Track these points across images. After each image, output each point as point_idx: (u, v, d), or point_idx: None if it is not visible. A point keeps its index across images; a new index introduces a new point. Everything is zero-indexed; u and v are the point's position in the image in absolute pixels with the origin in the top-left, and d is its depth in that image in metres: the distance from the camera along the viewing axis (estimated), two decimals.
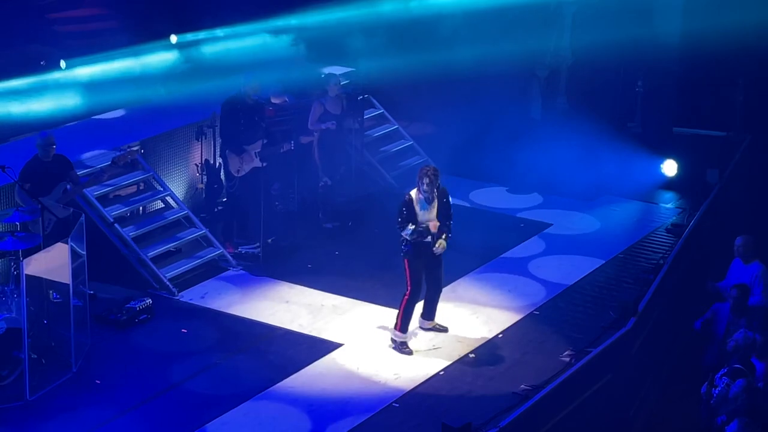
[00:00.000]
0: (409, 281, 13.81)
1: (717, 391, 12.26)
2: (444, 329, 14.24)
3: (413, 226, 13.53)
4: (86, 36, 19.42)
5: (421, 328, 14.24)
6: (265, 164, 16.02)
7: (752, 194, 18.19)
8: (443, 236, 13.67)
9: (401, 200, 13.73)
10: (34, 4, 19.38)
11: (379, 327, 14.29)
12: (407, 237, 13.58)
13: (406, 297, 13.81)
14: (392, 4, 19.75)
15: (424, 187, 13.51)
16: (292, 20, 19.67)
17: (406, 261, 13.76)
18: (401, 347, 13.85)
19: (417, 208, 13.59)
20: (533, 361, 13.66)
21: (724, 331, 13.72)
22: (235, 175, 16.04)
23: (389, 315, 14.43)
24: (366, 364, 13.58)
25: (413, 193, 13.66)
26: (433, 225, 13.60)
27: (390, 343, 13.93)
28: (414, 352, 13.81)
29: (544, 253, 16.52)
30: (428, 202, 13.59)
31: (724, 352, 13.12)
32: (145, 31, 18.79)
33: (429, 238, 13.66)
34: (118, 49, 18.23)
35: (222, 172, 16.61)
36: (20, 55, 18.33)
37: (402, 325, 13.86)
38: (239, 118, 16.00)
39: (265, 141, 16.09)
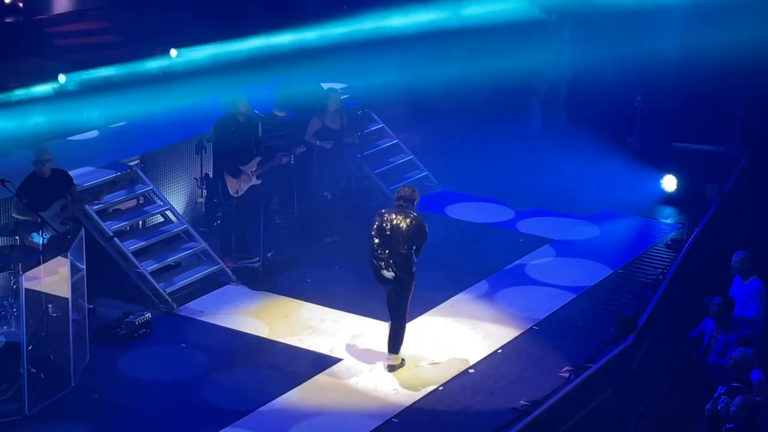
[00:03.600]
0: (408, 304, 13.84)
1: (710, 405, 12.29)
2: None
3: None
4: (86, 50, 19.46)
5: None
6: (260, 182, 16.04)
7: (752, 209, 18.19)
8: None
9: (422, 224, 13.63)
10: (34, 18, 19.43)
11: (379, 342, 14.27)
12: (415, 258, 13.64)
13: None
14: (394, 20, 19.79)
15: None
16: (287, 36, 19.73)
17: (413, 285, 13.78)
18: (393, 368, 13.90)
19: None
20: (532, 376, 13.65)
21: (706, 344, 13.81)
22: (234, 195, 16.03)
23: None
24: (365, 378, 13.57)
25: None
26: None
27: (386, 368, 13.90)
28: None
29: (543, 268, 16.50)
30: None
31: (706, 365, 13.31)
32: (145, 45, 18.82)
33: None
34: (117, 64, 18.25)
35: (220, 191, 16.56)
36: (20, 68, 18.35)
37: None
38: (234, 140, 15.99)
39: (260, 158, 16.09)
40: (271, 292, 15.60)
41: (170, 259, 15.76)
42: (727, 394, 12.19)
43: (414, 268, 13.63)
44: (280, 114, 17.65)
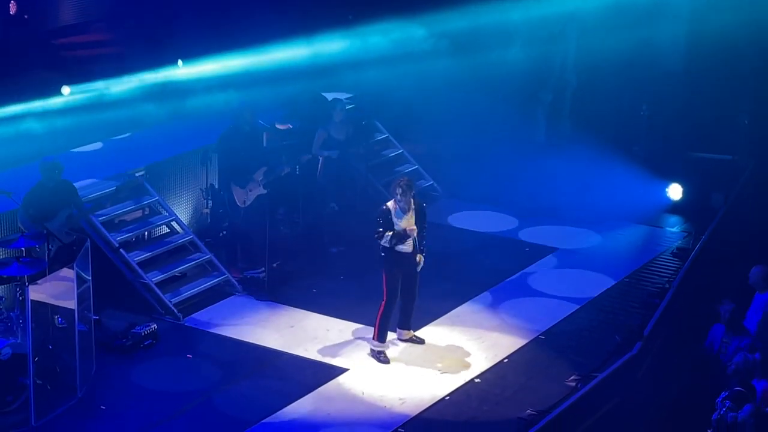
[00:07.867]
0: (386, 291, 14.04)
1: (716, 415, 12.23)
2: (420, 341, 14.42)
3: (390, 233, 13.83)
4: (92, 61, 19.44)
5: (399, 339, 14.48)
6: (266, 191, 16.05)
7: (758, 218, 18.16)
8: (420, 251, 14.01)
9: (378, 211, 14.00)
10: (41, 30, 19.41)
11: (387, 352, 14.27)
12: (386, 244, 13.87)
13: (383, 307, 14.09)
14: (397, 31, 19.80)
15: (398, 197, 13.92)
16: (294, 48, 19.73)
17: (383, 271, 13.96)
18: (378, 356, 14.12)
19: (394, 217, 13.89)
20: (539, 386, 13.64)
21: (717, 348, 13.76)
22: (241, 206, 16.04)
23: (394, 340, 14.43)
24: (371, 388, 13.57)
25: (390, 204, 13.96)
26: (410, 228, 13.89)
27: (368, 352, 14.17)
28: (392, 361, 14.03)
29: (549, 278, 16.49)
30: (404, 211, 13.94)
31: (722, 372, 13.17)
32: (151, 56, 18.81)
33: (409, 248, 13.94)
34: (123, 75, 18.25)
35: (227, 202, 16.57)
36: (25, 80, 18.34)
37: (379, 335, 14.14)
38: (240, 150, 16.02)
39: (265, 168, 16.10)
40: (277, 302, 15.61)
41: (176, 270, 15.77)
42: (730, 398, 12.11)
43: (387, 254, 13.92)
44: (283, 126, 17.65)
